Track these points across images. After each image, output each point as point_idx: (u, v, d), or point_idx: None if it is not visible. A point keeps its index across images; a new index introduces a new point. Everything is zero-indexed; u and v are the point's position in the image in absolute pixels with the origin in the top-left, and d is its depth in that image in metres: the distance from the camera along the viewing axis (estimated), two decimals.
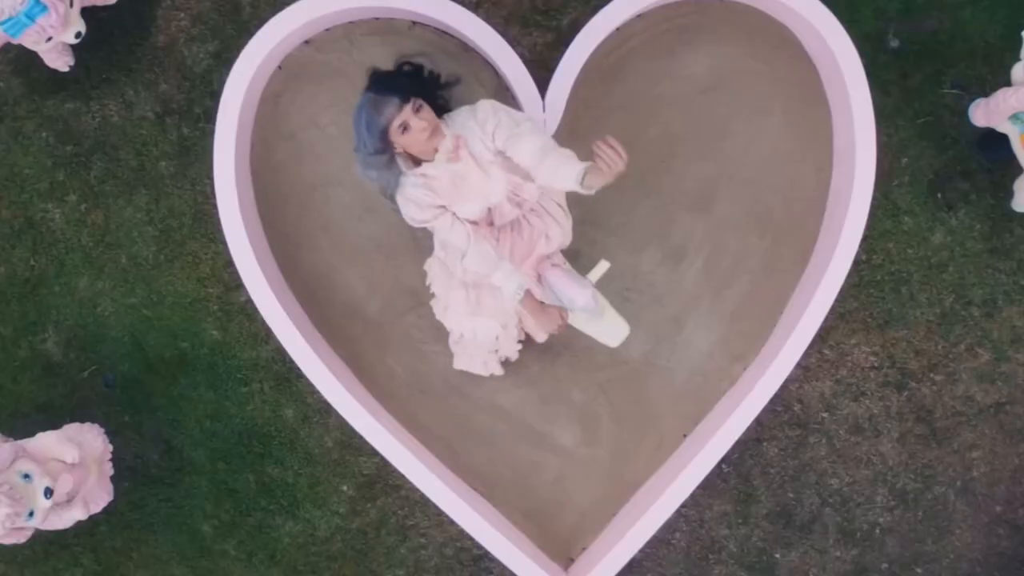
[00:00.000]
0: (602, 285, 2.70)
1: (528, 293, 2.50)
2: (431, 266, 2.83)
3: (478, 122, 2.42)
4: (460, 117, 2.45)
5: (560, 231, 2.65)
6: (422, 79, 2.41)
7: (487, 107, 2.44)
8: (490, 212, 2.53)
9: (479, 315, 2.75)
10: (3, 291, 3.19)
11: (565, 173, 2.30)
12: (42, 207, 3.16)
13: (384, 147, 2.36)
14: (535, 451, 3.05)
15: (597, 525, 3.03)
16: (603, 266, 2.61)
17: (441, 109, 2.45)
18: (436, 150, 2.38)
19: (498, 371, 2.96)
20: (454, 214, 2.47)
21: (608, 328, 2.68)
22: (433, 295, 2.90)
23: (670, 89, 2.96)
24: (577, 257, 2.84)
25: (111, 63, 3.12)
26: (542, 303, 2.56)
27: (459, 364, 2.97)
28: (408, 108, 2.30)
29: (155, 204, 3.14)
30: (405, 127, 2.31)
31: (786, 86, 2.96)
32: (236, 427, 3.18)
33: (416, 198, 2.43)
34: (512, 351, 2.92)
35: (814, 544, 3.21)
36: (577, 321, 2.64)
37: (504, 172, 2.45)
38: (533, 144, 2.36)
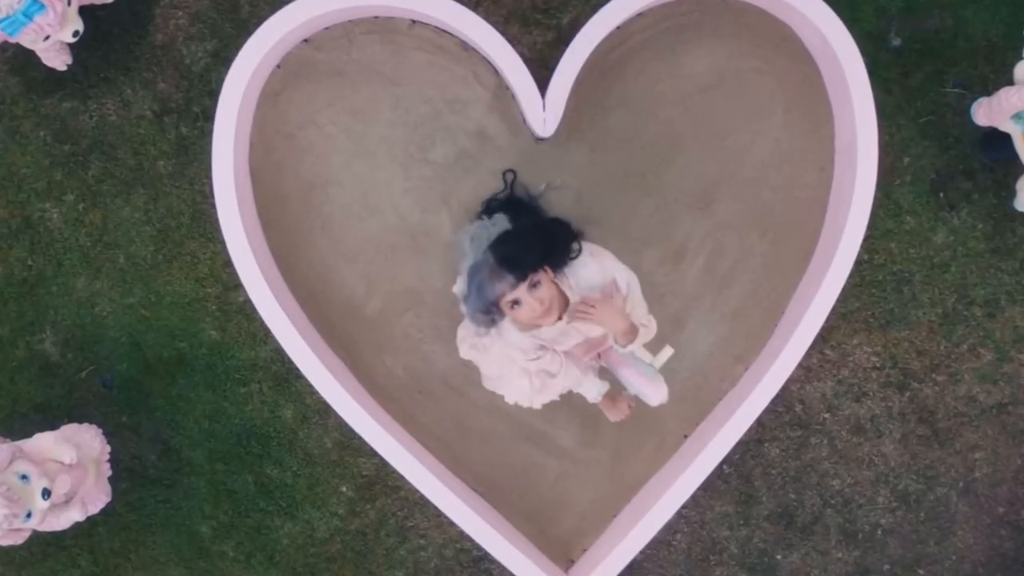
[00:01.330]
0: None
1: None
2: (486, 349, 2.67)
3: (604, 275, 2.42)
4: (583, 268, 2.42)
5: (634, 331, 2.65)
6: (552, 248, 2.36)
7: (621, 269, 2.45)
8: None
9: (541, 395, 2.73)
10: (0, 291, 3.18)
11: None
12: (40, 207, 3.15)
13: (491, 311, 2.34)
14: (535, 452, 3.05)
15: (597, 526, 3.03)
16: (667, 352, 2.64)
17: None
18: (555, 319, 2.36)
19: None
20: (554, 350, 2.50)
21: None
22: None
23: (671, 88, 2.95)
24: None
25: (109, 62, 3.12)
26: (613, 399, 2.65)
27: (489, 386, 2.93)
28: (523, 287, 2.26)
29: (153, 204, 3.13)
30: (517, 303, 2.29)
31: (787, 85, 2.95)
32: (235, 428, 3.17)
33: (522, 346, 2.44)
34: None
35: (816, 545, 3.20)
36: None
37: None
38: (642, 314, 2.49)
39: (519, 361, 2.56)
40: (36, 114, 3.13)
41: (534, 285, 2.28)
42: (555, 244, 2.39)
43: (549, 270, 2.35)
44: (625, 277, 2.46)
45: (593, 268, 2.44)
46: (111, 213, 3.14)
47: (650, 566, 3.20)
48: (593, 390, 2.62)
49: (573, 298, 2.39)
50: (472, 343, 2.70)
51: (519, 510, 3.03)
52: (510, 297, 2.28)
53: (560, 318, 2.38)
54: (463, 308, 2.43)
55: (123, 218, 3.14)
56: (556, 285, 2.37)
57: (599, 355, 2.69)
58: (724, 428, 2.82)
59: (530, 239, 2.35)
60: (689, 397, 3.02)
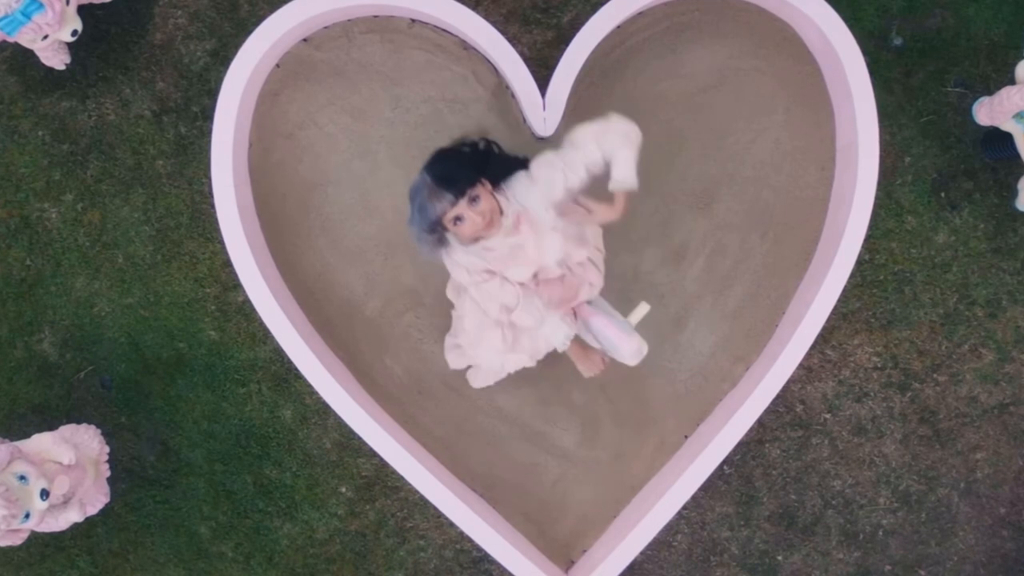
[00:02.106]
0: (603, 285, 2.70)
1: (574, 339, 2.57)
2: (461, 303, 2.77)
3: (543, 192, 2.41)
4: (520, 185, 2.44)
5: (600, 276, 2.69)
6: (485, 163, 2.39)
7: (542, 165, 2.43)
8: (537, 274, 2.55)
9: (513, 352, 2.75)
10: None
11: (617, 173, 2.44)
12: (38, 206, 3.14)
13: (436, 230, 2.37)
14: (535, 452, 3.05)
15: (598, 527, 3.03)
16: (643, 308, 2.62)
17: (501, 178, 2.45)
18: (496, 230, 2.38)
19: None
20: (503, 276, 2.49)
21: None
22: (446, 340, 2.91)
23: (671, 87, 2.95)
24: None
25: (108, 61, 3.11)
26: (584, 348, 2.62)
27: (478, 383, 2.97)
28: (463, 203, 2.30)
29: (152, 203, 3.13)
30: (459, 219, 2.32)
31: (788, 84, 2.95)
32: (234, 428, 3.16)
33: (467, 264, 2.45)
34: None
35: (817, 546, 3.20)
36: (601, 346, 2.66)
37: (562, 239, 2.47)
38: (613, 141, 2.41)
39: (485, 305, 2.58)
40: (35, 113, 3.13)
41: (473, 200, 2.31)
42: (488, 158, 2.41)
43: (487, 183, 2.37)
44: (561, 178, 2.41)
45: (524, 181, 2.44)
46: (110, 213, 3.13)
47: (650, 567, 3.20)
48: (559, 333, 2.57)
49: (509, 211, 2.39)
50: (457, 302, 2.78)
51: (519, 511, 3.03)
52: (452, 214, 2.31)
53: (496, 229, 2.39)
54: (413, 239, 2.44)
55: (122, 218, 3.13)
56: (495, 197, 2.38)
57: (575, 313, 2.68)
58: (725, 428, 2.81)
59: (463, 156, 2.38)
60: (689, 397, 3.02)
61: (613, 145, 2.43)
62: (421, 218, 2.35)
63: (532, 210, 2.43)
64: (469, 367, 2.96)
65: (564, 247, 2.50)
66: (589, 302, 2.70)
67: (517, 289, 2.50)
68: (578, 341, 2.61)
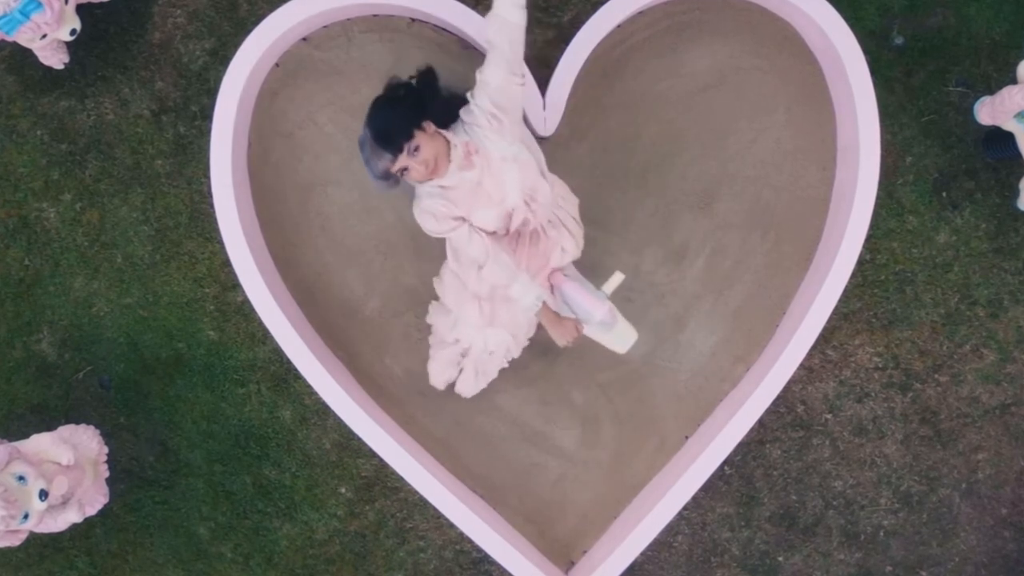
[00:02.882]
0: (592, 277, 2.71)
1: (545, 305, 2.54)
2: (443, 279, 2.81)
3: (477, 115, 2.38)
4: (462, 112, 2.42)
5: (574, 243, 2.68)
6: (424, 104, 2.36)
7: (474, 99, 2.40)
8: (507, 218, 2.52)
9: (492, 327, 2.76)
10: None
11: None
12: (37, 206, 3.14)
13: (388, 178, 2.37)
14: (535, 453, 3.04)
15: (598, 528, 3.02)
16: (617, 278, 2.61)
17: (448, 117, 2.43)
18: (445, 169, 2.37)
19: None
20: (471, 225, 2.47)
21: (618, 335, 2.67)
22: (431, 305, 2.92)
23: (672, 87, 2.95)
24: (580, 258, 2.82)
25: (107, 61, 3.11)
26: (558, 315, 2.59)
27: (468, 391, 2.97)
28: (403, 156, 2.30)
29: (151, 203, 3.12)
30: (404, 169, 2.32)
31: (789, 84, 2.95)
32: (233, 429, 3.16)
33: (433, 209, 2.43)
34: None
35: (817, 547, 3.19)
36: (588, 330, 2.64)
37: (518, 169, 2.43)
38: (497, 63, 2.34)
39: (471, 284, 2.59)
40: (33, 113, 3.12)
41: (414, 151, 2.30)
42: (422, 104, 2.36)
43: (428, 126, 2.34)
44: (496, 93, 2.35)
45: (463, 110, 2.40)
46: (109, 213, 3.13)
47: (651, 568, 3.19)
48: (530, 292, 2.51)
49: (457, 142, 2.37)
50: (441, 283, 2.80)
51: (519, 511, 3.02)
52: (395, 167, 2.31)
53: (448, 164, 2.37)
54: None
55: (121, 218, 3.13)
56: (439, 136, 2.35)
57: (550, 282, 2.67)
58: (725, 429, 2.81)
59: (399, 105, 2.33)
60: (690, 397, 3.02)
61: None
62: (370, 170, 2.35)
63: (478, 140, 2.39)
64: (455, 380, 2.97)
65: (523, 178, 2.45)
66: (565, 274, 2.68)
67: (486, 241, 2.47)
68: (550, 308, 2.59)
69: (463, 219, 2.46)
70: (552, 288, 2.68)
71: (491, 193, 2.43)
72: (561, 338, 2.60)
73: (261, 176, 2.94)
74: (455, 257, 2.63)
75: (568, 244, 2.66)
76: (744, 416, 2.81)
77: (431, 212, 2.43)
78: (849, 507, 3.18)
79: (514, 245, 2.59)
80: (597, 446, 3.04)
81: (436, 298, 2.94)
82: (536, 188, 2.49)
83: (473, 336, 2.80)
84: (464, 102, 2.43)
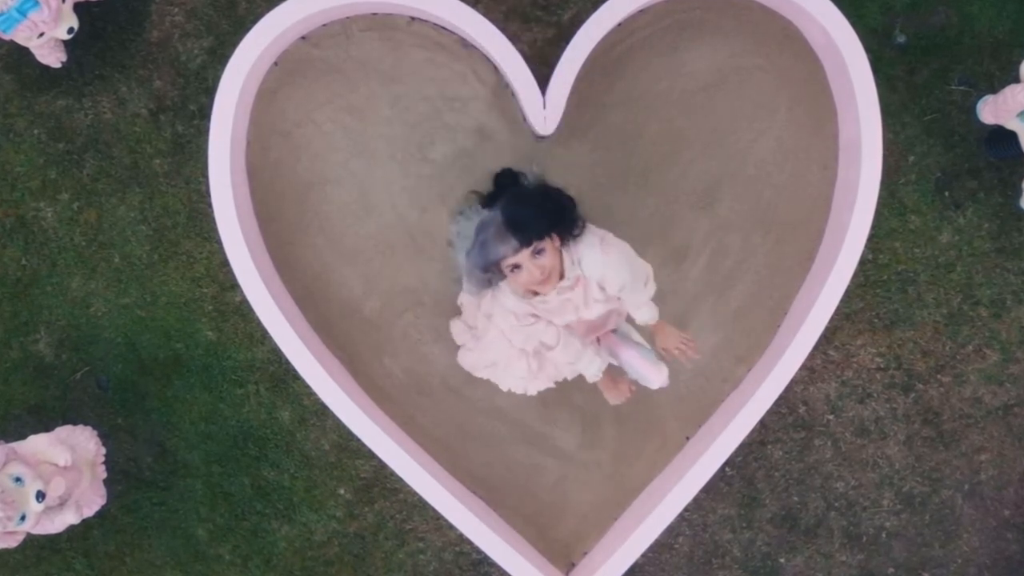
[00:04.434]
0: None
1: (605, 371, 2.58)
2: (485, 334, 2.74)
3: (605, 276, 2.40)
4: (590, 254, 2.40)
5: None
6: (561, 217, 2.35)
7: (623, 269, 2.41)
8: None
9: (537, 379, 2.76)
10: None
11: (640, 315, 2.56)
12: (34, 206, 3.13)
13: (490, 270, 2.34)
14: (535, 454, 3.04)
15: (598, 529, 3.02)
16: (662, 375, 2.66)
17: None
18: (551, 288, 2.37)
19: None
20: (548, 321, 2.49)
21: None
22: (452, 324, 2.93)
23: (673, 85, 2.94)
24: None
25: (104, 59, 3.10)
26: (612, 378, 2.63)
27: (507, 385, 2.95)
28: (526, 252, 2.27)
29: (149, 203, 3.11)
30: (517, 267, 2.30)
31: (790, 82, 2.94)
32: (231, 429, 3.15)
33: (516, 310, 2.44)
34: None
35: (819, 548, 3.18)
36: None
37: (604, 305, 2.48)
38: (637, 296, 2.50)
39: (516, 340, 2.56)
40: (30, 112, 3.11)
41: (538, 252, 2.28)
42: (565, 214, 2.38)
43: (556, 239, 2.34)
44: (618, 281, 2.44)
45: (598, 255, 2.41)
46: (106, 212, 3.12)
47: (652, 569, 3.19)
48: (593, 366, 2.57)
49: (571, 273, 2.38)
50: (471, 325, 2.75)
51: (519, 513, 3.02)
52: (512, 260, 2.28)
53: (555, 287, 2.39)
54: (463, 269, 2.45)
55: (118, 217, 3.12)
56: (560, 255, 2.36)
57: (599, 339, 2.68)
58: (727, 430, 2.80)
59: (542, 204, 2.34)
60: (691, 398, 3.01)
61: (645, 300, 2.53)
62: (480, 254, 2.31)
63: (590, 280, 2.41)
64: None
65: (607, 308, 2.51)
66: (615, 330, 2.71)
67: (560, 331, 2.50)
68: (607, 371, 2.62)
69: (540, 317, 2.48)
70: (599, 341, 2.69)
71: (577, 307, 2.45)
72: (615, 399, 2.65)
73: (260, 175, 2.93)
74: (514, 333, 2.58)
75: (623, 309, 2.65)
76: (746, 417, 2.80)
77: (513, 312, 2.44)
78: (851, 508, 3.17)
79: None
80: (597, 447, 3.03)
81: (436, 298, 2.93)
82: (613, 311, 2.55)
83: (513, 384, 2.79)
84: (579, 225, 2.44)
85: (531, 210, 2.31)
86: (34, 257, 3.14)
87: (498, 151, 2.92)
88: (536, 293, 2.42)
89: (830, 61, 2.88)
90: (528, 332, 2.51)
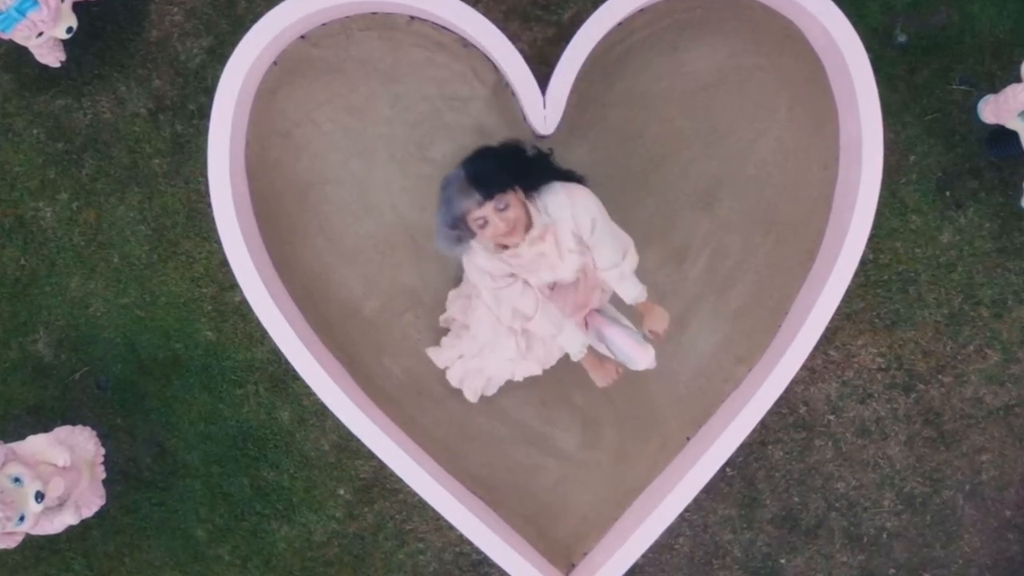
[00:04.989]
0: (617, 301, 2.70)
1: (589, 349, 2.55)
2: (472, 309, 2.77)
3: (574, 216, 2.38)
4: (555, 200, 2.40)
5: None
6: (526, 171, 2.35)
7: (591, 207, 2.40)
8: (555, 283, 2.54)
9: (525, 360, 2.75)
10: None
11: (625, 290, 2.53)
12: (33, 205, 3.12)
13: (458, 227, 2.33)
14: (535, 454, 3.03)
15: (599, 530, 3.02)
16: (649, 357, 2.64)
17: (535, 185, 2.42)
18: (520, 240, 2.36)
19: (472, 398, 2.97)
20: (524, 281, 2.47)
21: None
22: (449, 328, 2.94)
23: (673, 85, 2.94)
24: None
25: (103, 59, 3.09)
26: (598, 358, 2.61)
27: (455, 380, 2.97)
28: (490, 206, 2.26)
29: (148, 202, 3.11)
30: (484, 223, 2.29)
31: (791, 82, 2.94)
32: (231, 430, 3.14)
33: (490, 268, 2.43)
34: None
35: (820, 549, 3.18)
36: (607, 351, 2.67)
37: (579, 258, 2.46)
38: (612, 255, 2.47)
39: (501, 313, 2.55)
40: (29, 112, 3.11)
41: (503, 207, 2.28)
42: (528, 167, 2.37)
43: (520, 191, 2.33)
44: (587, 219, 2.41)
45: (563, 198, 2.40)
46: (105, 212, 3.11)
47: (652, 570, 3.18)
48: (575, 342, 2.54)
49: (539, 222, 2.36)
50: (461, 306, 2.77)
51: (519, 513, 3.01)
52: (477, 214, 2.27)
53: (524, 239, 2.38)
54: (436, 225, 2.41)
55: (117, 217, 3.11)
56: (525, 207, 2.35)
57: (586, 321, 2.66)
58: (727, 430, 2.80)
59: (504, 159, 2.34)
60: (691, 399, 3.01)
61: (624, 272, 2.51)
62: (446, 211, 2.31)
63: (560, 227, 2.40)
64: (462, 380, 2.96)
65: (584, 263, 2.49)
66: (599, 310, 2.69)
67: (537, 295, 2.48)
68: (592, 350, 2.59)
69: (515, 276, 2.46)
70: (587, 324, 2.67)
71: (551, 266, 2.43)
72: (602, 380, 2.62)
73: (259, 175, 2.93)
74: (497, 301, 2.57)
75: (608, 285, 2.64)
76: (746, 417, 2.80)
77: (488, 271, 2.43)
78: (852, 509, 3.17)
79: (554, 284, 2.57)
80: (598, 447, 3.03)
81: (436, 298, 2.93)
82: (591, 268, 2.52)
83: (503, 367, 2.79)
84: (565, 178, 2.44)
85: (492, 163, 2.31)
86: (33, 257, 3.13)
87: None
88: (507, 247, 2.41)
89: (831, 61, 2.87)
90: (506, 295, 2.48)
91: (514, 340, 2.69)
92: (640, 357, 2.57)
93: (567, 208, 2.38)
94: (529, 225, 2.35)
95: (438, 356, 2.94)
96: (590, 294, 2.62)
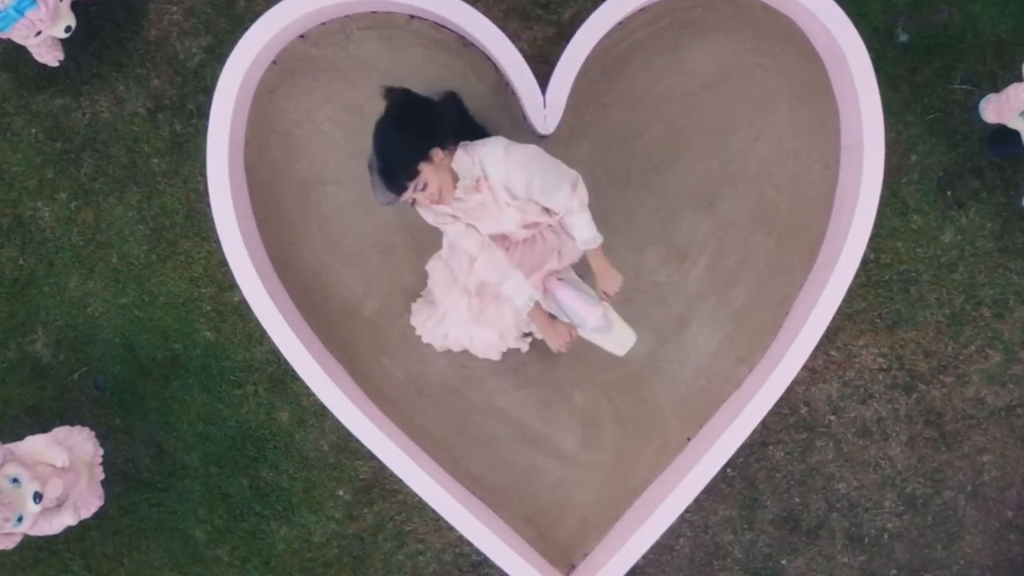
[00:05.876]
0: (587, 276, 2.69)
1: (538, 306, 2.53)
2: (434, 269, 2.80)
3: (507, 174, 2.35)
4: (491, 155, 2.35)
5: (572, 248, 2.65)
6: (429, 135, 2.29)
7: (522, 158, 2.35)
8: (505, 236, 2.53)
9: (479, 325, 2.74)
10: None
11: (576, 227, 2.46)
12: (31, 205, 3.12)
13: (394, 202, 2.36)
14: (535, 454, 3.03)
15: (599, 530, 3.01)
16: (630, 337, 2.65)
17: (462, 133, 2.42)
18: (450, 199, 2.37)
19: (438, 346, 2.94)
20: (468, 223, 2.47)
21: (615, 337, 2.64)
22: (420, 296, 2.91)
23: (674, 84, 2.93)
24: (581, 259, 2.80)
25: (102, 58, 3.09)
26: (551, 318, 2.58)
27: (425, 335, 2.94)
28: (408, 191, 2.28)
29: (147, 202, 3.10)
30: (412, 202, 2.33)
31: (792, 81, 2.93)
32: (230, 430, 3.14)
33: (432, 218, 2.46)
34: (522, 345, 2.92)
35: (821, 550, 3.17)
36: (584, 332, 2.63)
37: (518, 212, 2.43)
38: (561, 200, 2.39)
39: (461, 278, 2.58)
40: (27, 111, 3.10)
41: (421, 188, 2.28)
42: (433, 130, 2.30)
43: (437, 152, 2.28)
44: (522, 179, 2.36)
45: (498, 154, 2.34)
46: (104, 212, 3.11)
47: (652, 571, 3.17)
48: (522, 291, 2.49)
49: (469, 174, 2.34)
50: (432, 272, 2.80)
51: (519, 514, 3.01)
52: (403, 200, 2.31)
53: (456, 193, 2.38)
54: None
55: (116, 217, 3.11)
56: (446, 168, 2.32)
57: (544, 288, 2.64)
58: (728, 430, 2.80)
59: (402, 135, 2.27)
60: (692, 399, 3.00)
61: (573, 207, 2.43)
62: (380, 197, 2.33)
63: (493, 180, 2.37)
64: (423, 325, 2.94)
65: (524, 218, 2.46)
66: (560, 278, 2.66)
67: (483, 238, 2.46)
68: (543, 311, 2.58)
69: (458, 216, 2.46)
70: (546, 291, 2.66)
71: (494, 215, 2.43)
72: (554, 342, 2.60)
73: (258, 175, 2.93)
74: (450, 248, 2.61)
75: (566, 248, 2.64)
76: (747, 417, 2.79)
77: (431, 208, 2.43)
78: (853, 510, 3.16)
79: (507, 243, 2.56)
80: (598, 448, 3.02)
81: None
82: (538, 220, 2.48)
83: (460, 331, 2.79)
84: (479, 135, 2.43)
85: (393, 156, 2.26)
86: (31, 257, 3.13)
87: None
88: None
89: (832, 60, 2.87)
90: (451, 231, 2.48)
91: (466, 300, 2.68)
92: (588, 315, 2.55)
93: (500, 165, 2.34)
94: (455, 179, 2.35)
95: (415, 321, 2.94)
96: (546, 256, 2.60)
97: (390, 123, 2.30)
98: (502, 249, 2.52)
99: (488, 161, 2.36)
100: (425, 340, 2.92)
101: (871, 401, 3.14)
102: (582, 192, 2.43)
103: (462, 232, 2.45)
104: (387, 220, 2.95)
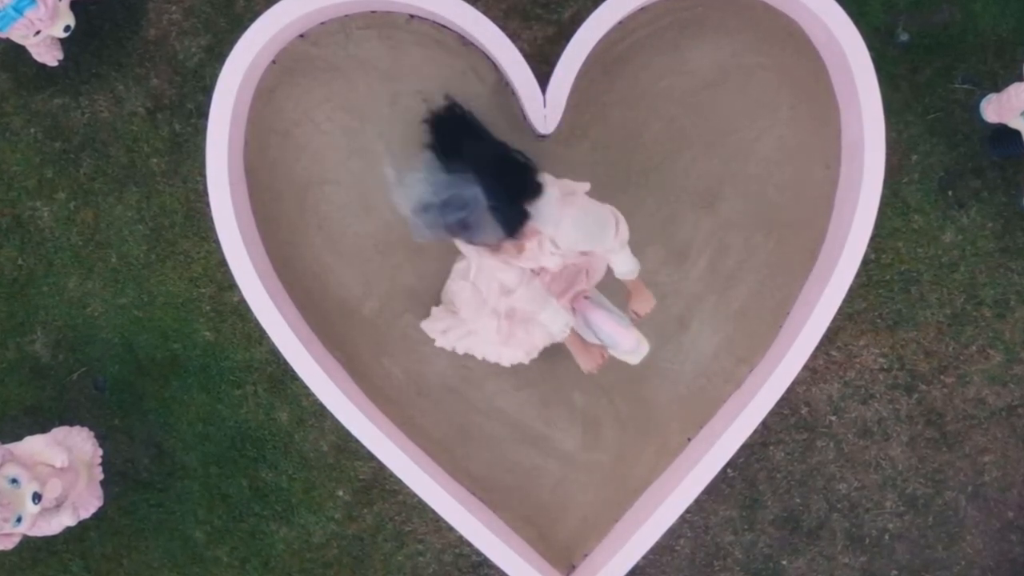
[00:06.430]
0: (605, 287, 2.68)
1: (572, 331, 2.53)
2: (460, 289, 2.73)
3: (558, 233, 2.27)
4: (546, 211, 2.23)
5: (600, 266, 2.65)
6: (525, 191, 2.17)
7: (576, 224, 2.28)
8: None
9: (506, 346, 2.73)
10: None
11: (619, 268, 2.46)
12: (30, 205, 3.11)
13: (448, 239, 2.19)
14: (536, 455, 3.02)
15: (599, 531, 3.01)
16: (644, 348, 2.64)
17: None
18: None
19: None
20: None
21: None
22: (440, 304, 2.91)
23: (674, 84, 2.93)
24: None
25: (101, 58, 3.09)
26: (584, 341, 2.59)
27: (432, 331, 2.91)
28: (509, 242, 2.15)
29: (146, 202, 3.10)
30: (497, 248, 2.20)
31: (793, 81, 2.93)
32: (229, 430, 3.14)
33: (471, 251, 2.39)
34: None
35: (822, 551, 3.17)
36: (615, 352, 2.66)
37: (561, 258, 2.39)
38: (605, 244, 2.35)
39: (492, 298, 2.55)
40: (27, 111, 3.10)
41: (520, 244, 2.22)
42: (533, 191, 2.19)
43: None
44: (566, 241, 2.30)
45: (553, 211, 2.23)
46: (103, 212, 3.10)
47: (653, 572, 3.17)
48: (559, 320, 2.46)
49: (548, 233, 2.27)
50: (457, 294, 2.75)
51: (519, 514, 3.01)
52: (495, 243, 2.16)
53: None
54: (411, 220, 2.17)
55: (115, 217, 3.10)
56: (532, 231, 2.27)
57: (573, 309, 2.65)
58: (728, 431, 2.80)
59: (520, 190, 2.14)
60: (692, 399, 3.00)
61: (615, 249, 2.41)
62: (459, 231, 2.09)
63: (543, 235, 2.30)
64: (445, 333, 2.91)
65: (564, 260, 2.43)
66: (587, 297, 2.67)
67: (521, 270, 2.43)
68: (577, 334, 2.58)
69: None
70: (574, 310, 2.66)
71: (536, 258, 2.36)
72: (587, 364, 2.60)
73: (258, 175, 2.92)
74: (478, 270, 2.53)
75: (594, 268, 2.62)
76: (747, 418, 2.79)
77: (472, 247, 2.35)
78: (854, 510, 3.16)
79: (539, 268, 2.51)
80: (598, 448, 3.02)
81: (435, 298, 2.92)
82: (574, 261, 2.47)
83: (487, 351, 2.78)
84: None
85: (517, 203, 2.12)
86: (30, 257, 3.12)
87: None
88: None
89: (833, 59, 2.87)
90: (488, 269, 2.43)
91: (496, 322, 2.66)
92: (624, 340, 2.57)
93: (552, 223, 2.26)
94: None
95: (430, 327, 2.90)
96: (574, 277, 2.60)
97: (519, 167, 2.19)
98: (536, 277, 2.49)
99: (543, 215, 2.23)
100: (438, 344, 2.90)
101: (872, 401, 3.14)
102: (624, 232, 2.39)
103: (500, 267, 2.39)
104: (387, 220, 2.95)
